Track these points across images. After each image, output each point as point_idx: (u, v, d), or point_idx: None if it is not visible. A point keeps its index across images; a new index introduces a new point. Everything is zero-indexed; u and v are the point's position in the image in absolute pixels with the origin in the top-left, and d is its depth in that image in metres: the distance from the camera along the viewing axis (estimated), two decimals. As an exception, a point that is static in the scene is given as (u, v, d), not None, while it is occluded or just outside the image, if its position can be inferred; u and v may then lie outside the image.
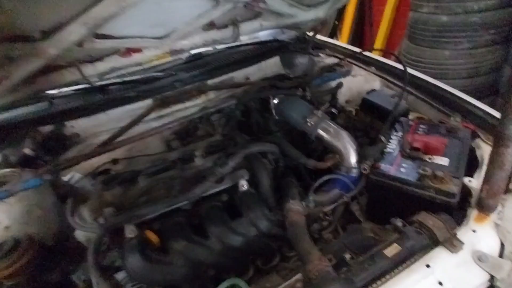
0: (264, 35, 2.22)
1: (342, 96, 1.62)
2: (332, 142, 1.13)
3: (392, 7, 3.93)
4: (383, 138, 1.11)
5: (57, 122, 1.48)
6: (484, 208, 0.84)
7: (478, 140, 1.14)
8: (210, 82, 1.73)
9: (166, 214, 0.99)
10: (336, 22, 4.48)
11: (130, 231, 0.89)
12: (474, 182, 0.95)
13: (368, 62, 1.73)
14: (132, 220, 0.92)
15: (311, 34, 1.99)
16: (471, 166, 1.05)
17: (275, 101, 1.33)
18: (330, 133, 1.14)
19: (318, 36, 2.20)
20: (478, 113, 1.21)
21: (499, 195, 0.81)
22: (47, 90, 1.34)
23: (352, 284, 0.74)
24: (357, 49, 1.90)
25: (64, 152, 1.51)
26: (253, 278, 1.04)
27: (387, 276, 0.76)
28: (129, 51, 1.37)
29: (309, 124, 1.16)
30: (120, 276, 0.91)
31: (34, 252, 0.97)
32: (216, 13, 1.34)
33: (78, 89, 1.60)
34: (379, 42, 4.24)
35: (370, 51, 1.82)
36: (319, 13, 1.73)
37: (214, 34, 1.53)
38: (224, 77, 1.78)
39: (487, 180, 0.80)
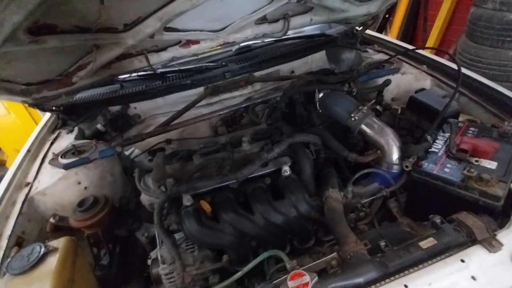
0: (311, 28, 2.26)
1: (389, 93, 1.61)
2: (375, 138, 1.16)
3: (452, 1, 3.65)
4: (429, 137, 1.11)
5: (125, 103, 1.70)
6: (531, 213, 0.83)
7: (534, 147, 1.09)
8: (257, 74, 1.83)
9: (217, 189, 1.12)
10: (387, 15, 4.27)
11: (187, 200, 1.04)
12: (524, 188, 0.93)
13: (420, 60, 1.69)
14: (189, 191, 1.06)
15: (360, 28, 1.98)
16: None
17: (320, 95, 1.38)
18: (373, 128, 1.17)
19: (368, 31, 2.18)
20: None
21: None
22: (119, 75, 1.53)
23: (386, 268, 0.80)
24: (409, 46, 1.86)
25: (127, 129, 1.74)
26: (288, 255, 1.14)
27: (420, 266, 0.80)
28: (189, 42, 1.51)
29: (353, 119, 1.20)
30: (176, 236, 1.07)
31: (109, 209, 1.16)
32: (271, 8, 1.41)
33: (142, 75, 1.79)
34: (432, 38, 3.98)
35: (422, 49, 1.76)
36: (371, 8, 1.72)
37: (265, 28, 1.61)
38: (270, 70, 1.87)
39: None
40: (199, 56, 1.91)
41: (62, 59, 1.21)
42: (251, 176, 1.14)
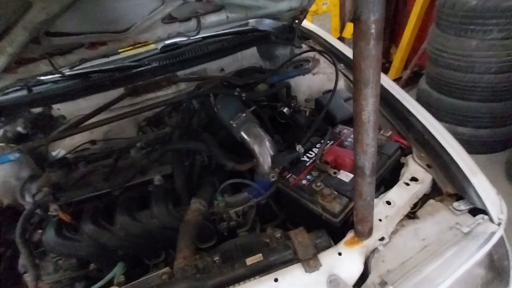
0: (251, 22, 2.18)
1: (302, 94, 1.56)
2: (251, 146, 1.14)
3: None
4: (298, 147, 1.08)
5: (44, 105, 1.72)
6: (357, 232, 0.81)
7: (409, 157, 1.05)
8: (181, 73, 1.80)
9: (90, 199, 1.13)
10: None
11: (54, 210, 1.06)
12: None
13: (340, 59, 1.62)
14: (59, 201, 1.08)
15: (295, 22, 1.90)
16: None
17: (216, 100, 1.35)
18: (251, 136, 1.15)
19: (312, 26, 2.09)
20: (418, 126, 1.09)
21: (367, 223, 0.77)
22: (28, 79, 1.54)
23: (203, 285, 0.80)
24: (339, 44, 1.78)
25: (52, 131, 1.77)
26: (166, 262, 1.17)
27: (238, 284, 0.80)
28: (94, 44, 1.50)
29: (234, 125, 1.18)
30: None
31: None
32: (167, 9, 1.37)
33: (62, 77, 1.80)
34: (409, 30, 3.76)
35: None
36: (292, 3, 1.64)
37: (176, 27, 1.56)
38: (196, 68, 1.84)
39: (355, 205, 0.77)
40: (122, 56, 1.89)
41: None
42: (129, 184, 1.14)
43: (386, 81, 1.30)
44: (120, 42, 1.54)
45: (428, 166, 0.99)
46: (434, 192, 0.97)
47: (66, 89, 1.73)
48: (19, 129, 1.68)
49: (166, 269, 0.88)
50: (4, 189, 1.40)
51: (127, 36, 1.51)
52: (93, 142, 1.67)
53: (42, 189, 1.13)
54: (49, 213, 1.05)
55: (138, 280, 0.85)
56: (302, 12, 1.79)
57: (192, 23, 1.60)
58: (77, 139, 1.65)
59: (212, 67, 1.88)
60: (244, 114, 1.17)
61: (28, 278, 1.02)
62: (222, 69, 1.90)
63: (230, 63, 1.90)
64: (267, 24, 2.05)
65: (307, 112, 1.45)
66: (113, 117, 1.60)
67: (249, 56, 1.92)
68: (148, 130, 1.78)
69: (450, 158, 0.97)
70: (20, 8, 0.99)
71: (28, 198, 1.19)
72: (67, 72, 1.70)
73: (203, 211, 1.04)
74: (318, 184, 0.93)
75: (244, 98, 1.26)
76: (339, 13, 4.25)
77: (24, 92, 1.76)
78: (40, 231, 1.07)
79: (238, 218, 1.12)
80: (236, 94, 1.26)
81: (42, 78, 1.74)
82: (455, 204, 0.88)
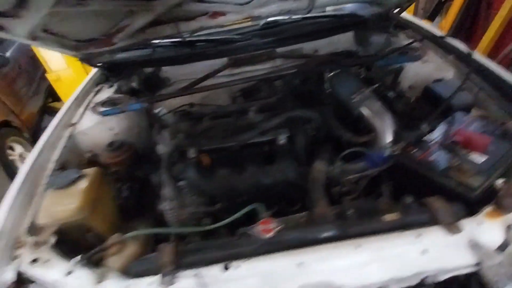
0: (345, 8, 2.21)
1: (407, 81, 1.59)
2: (372, 120, 1.21)
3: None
4: (424, 126, 1.13)
5: (157, 66, 1.91)
6: (500, 206, 0.86)
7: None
8: (279, 50, 1.90)
9: (219, 149, 1.28)
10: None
11: (191, 152, 1.21)
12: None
13: (449, 49, 1.61)
14: (193, 146, 1.23)
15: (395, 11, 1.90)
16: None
17: (329, 75, 1.43)
18: (372, 111, 1.21)
19: (405, 15, 2.08)
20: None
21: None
22: (152, 40, 1.72)
23: (343, 231, 0.90)
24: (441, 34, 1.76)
25: (158, 90, 1.96)
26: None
27: (377, 235, 0.89)
28: (216, 14, 1.63)
29: (354, 100, 1.25)
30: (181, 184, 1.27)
31: (132, 153, 1.39)
32: (293, -16, 1.45)
33: (174, 42, 1.96)
34: (494, 28, 3.55)
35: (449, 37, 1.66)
36: (405, -11, 1.65)
37: (290, 4, 1.65)
38: (294, 47, 1.92)
39: (508, 178, 0.81)
40: (227, 28, 2.02)
41: (105, 21, 1.41)
42: (250, 141, 1.27)
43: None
44: (237, 14, 1.66)
45: None
46: None
47: (175, 54, 1.90)
48: (134, 84, 1.88)
49: (306, 213, 0.99)
50: (129, 133, 1.60)
51: (245, 9, 1.63)
52: (191, 104, 1.83)
53: (177, 135, 1.29)
54: (188, 155, 1.20)
55: (284, 217, 0.97)
56: (409, 1, 1.79)
57: (304, 1, 1.68)
58: (178, 101, 1.81)
59: (306, 47, 1.95)
60: (367, 90, 1.24)
61: (167, 206, 1.18)
62: (316, 51, 1.97)
63: (324, 45, 1.96)
64: (364, 10, 2.06)
65: (412, 99, 1.48)
66: (216, 84, 1.74)
67: (344, 41, 1.97)
68: (240, 100, 1.91)
69: None
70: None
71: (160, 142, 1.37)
72: (189, 37, 1.86)
73: (326, 172, 1.13)
74: (455, 160, 0.98)
75: (363, 76, 1.32)
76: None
77: (139, 52, 1.95)
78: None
79: (351, 185, 1.20)
80: (354, 71, 1.33)
81: (155, 41, 1.91)
82: None
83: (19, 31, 1.18)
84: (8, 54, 3.97)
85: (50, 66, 4.06)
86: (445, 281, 0.86)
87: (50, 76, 4.14)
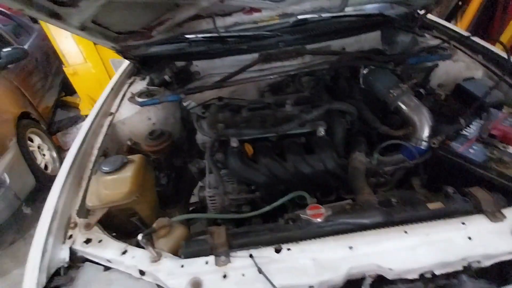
0: (371, 8, 2.25)
1: (437, 79, 1.63)
2: (409, 114, 1.25)
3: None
4: (462, 120, 1.18)
5: (188, 60, 1.96)
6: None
7: None
8: (308, 46, 1.94)
9: (258, 139, 1.32)
10: (459, 2, 3.90)
11: (234, 142, 1.26)
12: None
13: (476, 50, 1.65)
14: (235, 135, 1.28)
15: (421, 12, 1.95)
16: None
17: (365, 71, 1.47)
18: (409, 106, 1.26)
19: (430, 16, 2.12)
20: None
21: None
22: (188, 34, 1.77)
23: (390, 216, 0.94)
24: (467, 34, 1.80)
25: (188, 83, 2.01)
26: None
27: (423, 222, 0.93)
28: (252, 10, 1.68)
29: (391, 95, 1.30)
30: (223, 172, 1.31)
31: (171, 142, 1.45)
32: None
33: (205, 37, 2.01)
34: (509, 31, 3.58)
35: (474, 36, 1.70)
36: (435, -9, 1.70)
37: (323, 2, 1.70)
38: (322, 44, 1.97)
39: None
40: (258, 25, 2.06)
41: (149, 14, 1.47)
42: (289, 132, 1.32)
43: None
44: (271, 11, 1.71)
45: None
46: None
47: (207, 48, 1.95)
48: (166, 77, 1.93)
49: (349, 200, 1.03)
50: (166, 123, 1.66)
51: (280, 6, 1.68)
52: (220, 98, 1.88)
53: (218, 125, 1.34)
54: (231, 144, 1.25)
55: (330, 204, 1.02)
56: (437, 2, 1.83)
57: (337, 0, 1.73)
58: (207, 94, 1.86)
59: (334, 45, 1.99)
60: (405, 86, 1.29)
61: (210, 193, 1.23)
62: (343, 48, 2.01)
63: (352, 43, 2.00)
64: (390, 10, 2.11)
65: (442, 96, 1.52)
66: (249, 78, 1.79)
67: (371, 39, 2.01)
68: (268, 95, 1.96)
69: None
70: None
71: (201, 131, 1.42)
72: (222, 33, 1.91)
73: (366, 163, 1.18)
74: (495, 152, 1.02)
75: (399, 72, 1.37)
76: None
77: (172, 46, 2.00)
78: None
79: (387, 177, 1.25)
80: (390, 67, 1.37)
81: (189, 36, 1.96)
82: None
83: (73, 20, 1.24)
84: (26, 47, 4.04)
85: (67, 60, 4.11)
86: (487, 268, 0.90)
87: (67, 70, 4.20)
